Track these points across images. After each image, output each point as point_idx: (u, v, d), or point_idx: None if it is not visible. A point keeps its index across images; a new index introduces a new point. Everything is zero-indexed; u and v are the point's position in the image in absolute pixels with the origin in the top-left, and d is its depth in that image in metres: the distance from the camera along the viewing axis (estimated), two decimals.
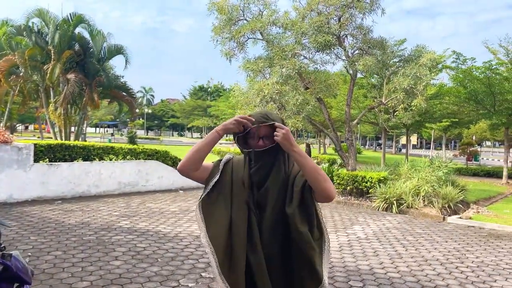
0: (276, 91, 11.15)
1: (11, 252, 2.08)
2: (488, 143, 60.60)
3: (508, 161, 18.38)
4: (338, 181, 11.51)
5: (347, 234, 7.45)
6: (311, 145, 19.83)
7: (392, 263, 5.83)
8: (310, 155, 17.62)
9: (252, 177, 1.96)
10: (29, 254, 2.94)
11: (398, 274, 5.36)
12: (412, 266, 5.73)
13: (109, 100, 21.73)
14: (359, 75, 14.27)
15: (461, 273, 5.54)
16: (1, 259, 2.02)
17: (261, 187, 1.94)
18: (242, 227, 1.89)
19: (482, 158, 32.99)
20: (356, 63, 11.89)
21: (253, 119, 1.91)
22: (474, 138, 36.93)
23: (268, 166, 1.94)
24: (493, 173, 20.27)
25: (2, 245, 2.17)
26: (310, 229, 1.90)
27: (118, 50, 18.62)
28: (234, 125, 1.90)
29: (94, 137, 41.68)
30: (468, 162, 26.34)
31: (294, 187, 1.91)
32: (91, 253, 5.62)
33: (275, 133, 1.86)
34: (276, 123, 1.89)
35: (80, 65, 17.53)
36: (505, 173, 17.63)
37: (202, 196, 1.98)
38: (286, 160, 1.98)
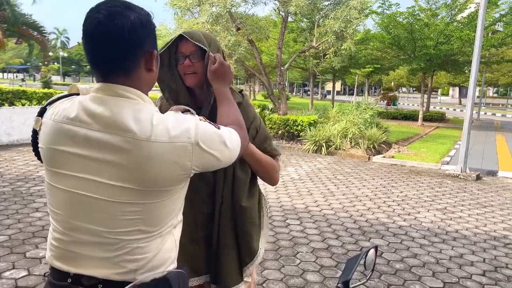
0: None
1: None
2: (404, 89, 64.85)
3: (423, 105, 19.73)
4: (270, 126, 11.54)
5: (281, 176, 7.53)
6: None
7: (325, 201, 6.01)
8: None
9: None
10: None
11: (332, 211, 5.53)
12: (344, 203, 5.95)
13: (16, 39, 19.38)
14: (289, 19, 14.01)
15: (388, 207, 5.88)
16: None
17: None
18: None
19: (399, 103, 35.22)
20: (287, 4, 11.58)
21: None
22: (392, 84, 39.17)
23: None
24: (410, 116, 21.75)
25: None
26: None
27: None
28: None
29: (2, 83, 37.53)
30: (388, 106, 27.96)
31: None
32: (6, 205, 5.06)
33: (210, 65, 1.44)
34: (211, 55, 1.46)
35: None
36: (420, 115, 18.97)
37: None
38: None
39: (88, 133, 0.99)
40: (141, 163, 0.97)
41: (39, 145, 1.09)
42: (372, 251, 1.05)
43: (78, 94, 1.09)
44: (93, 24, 0.98)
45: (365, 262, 1.03)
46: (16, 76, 60.63)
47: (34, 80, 54.39)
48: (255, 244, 1.65)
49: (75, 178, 1.01)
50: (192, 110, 1.09)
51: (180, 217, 1.16)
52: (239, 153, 1.17)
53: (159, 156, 0.97)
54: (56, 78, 53.28)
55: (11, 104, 9.73)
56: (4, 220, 4.57)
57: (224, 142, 1.08)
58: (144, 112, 1.01)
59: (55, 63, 63.00)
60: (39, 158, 1.11)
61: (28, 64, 57.45)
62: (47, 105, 1.11)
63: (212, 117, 1.32)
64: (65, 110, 1.04)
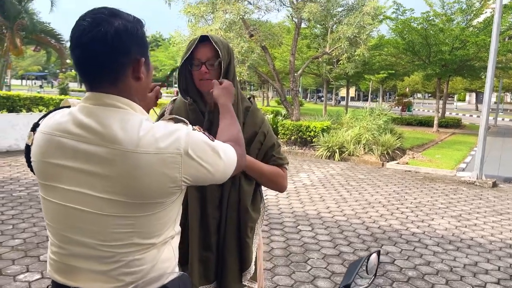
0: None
1: None
2: (419, 95, 64.12)
3: (439, 111, 19.48)
4: (282, 131, 11.54)
5: (294, 182, 7.51)
6: (255, 98, 19.64)
7: (338, 207, 5.96)
8: None
9: None
10: None
11: (344, 217, 5.49)
12: (356, 209, 5.90)
13: (34, 46, 19.86)
14: (302, 25, 14.03)
15: (401, 213, 5.81)
16: None
17: None
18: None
19: (414, 109, 34.83)
20: (301, 10, 11.61)
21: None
22: (407, 90, 38.77)
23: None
24: (425, 122, 21.49)
25: None
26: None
27: None
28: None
29: (21, 90, 38.37)
30: (402, 112, 27.68)
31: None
32: (22, 209, 5.16)
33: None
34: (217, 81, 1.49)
35: None
36: (435, 121, 18.73)
37: None
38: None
39: (76, 145, 0.98)
40: (127, 175, 0.95)
41: (31, 159, 1.08)
42: (374, 255, 1.05)
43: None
44: (78, 32, 0.97)
45: (367, 266, 1.02)
46: (35, 83, 61.87)
47: (52, 87, 55.41)
48: (252, 249, 1.66)
49: (66, 191, 1.00)
50: (185, 120, 1.06)
51: (177, 228, 1.12)
52: (235, 170, 1.11)
53: (146, 168, 0.95)
54: (73, 85, 54.18)
55: (29, 110, 9.95)
56: (20, 224, 4.65)
57: (218, 153, 1.04)
58: (132, 122, 0.98)
59: (73, 70, 64.10)
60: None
61: (46, 71, 58.60)
62: (39, 120, 1.10)
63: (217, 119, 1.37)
64: (56, 122, 1.03)
